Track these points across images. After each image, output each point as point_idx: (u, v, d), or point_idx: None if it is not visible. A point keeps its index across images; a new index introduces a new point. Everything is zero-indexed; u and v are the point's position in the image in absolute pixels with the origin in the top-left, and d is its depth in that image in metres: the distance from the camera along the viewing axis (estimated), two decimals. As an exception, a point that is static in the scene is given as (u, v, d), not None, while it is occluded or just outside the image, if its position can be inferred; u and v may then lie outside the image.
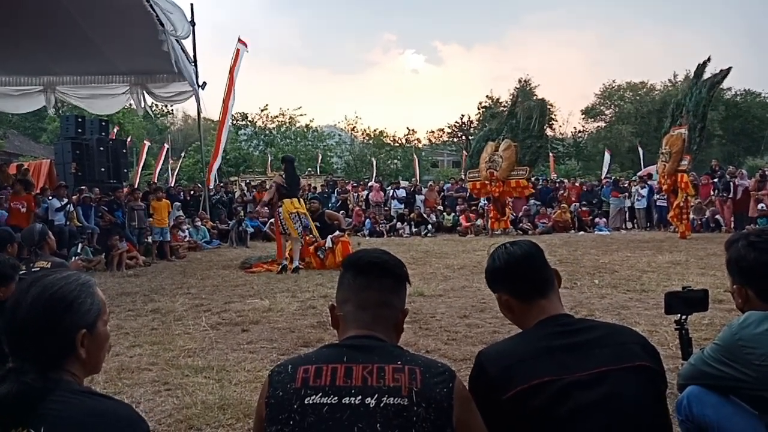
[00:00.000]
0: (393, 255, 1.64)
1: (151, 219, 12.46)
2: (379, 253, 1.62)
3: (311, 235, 10.47)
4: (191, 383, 3.90)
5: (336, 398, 1.37)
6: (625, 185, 18.51)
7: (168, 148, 28.16)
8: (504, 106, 42.50)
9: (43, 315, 1.31)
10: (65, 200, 11.43)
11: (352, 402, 1.36)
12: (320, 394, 1.38)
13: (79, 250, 10.62)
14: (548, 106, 40.30)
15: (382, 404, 1.35)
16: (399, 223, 17.81)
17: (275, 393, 1.43)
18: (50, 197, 11.49)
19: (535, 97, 36.89)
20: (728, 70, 13.53)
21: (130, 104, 15.04)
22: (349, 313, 1.56)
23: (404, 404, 1.35)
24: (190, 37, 14.70)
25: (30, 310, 1.31)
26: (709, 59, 14.06)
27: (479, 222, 16.91)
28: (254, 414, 1.55)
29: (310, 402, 1.37)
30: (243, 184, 21.48)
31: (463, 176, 27.11)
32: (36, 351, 1.30)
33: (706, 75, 14.06)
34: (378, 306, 1.54)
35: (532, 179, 21.19)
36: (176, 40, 10.77)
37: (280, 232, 10.04)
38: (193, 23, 15.56)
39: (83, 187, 12.89)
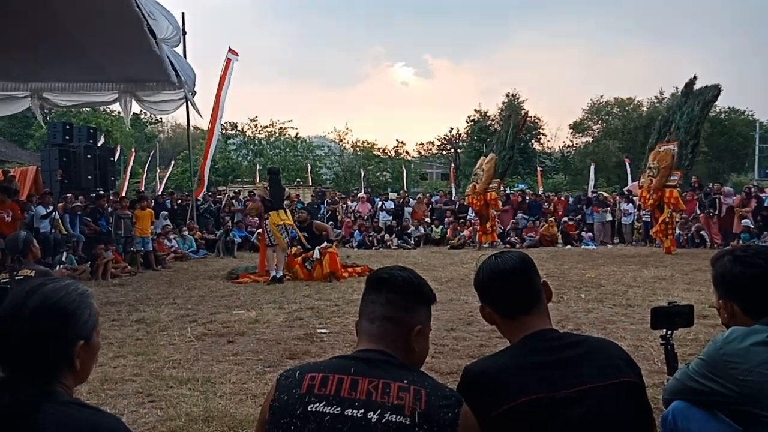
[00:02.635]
0: (413, 273, 1.64)
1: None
2: (394, 269, 1.64)
3: (299, 246, 10.47)
4: (176, 395, 3.87)
5: (339, 409, 1.37)
6: (609, 200, 18.60)
7: (153, 156, 28.05)
8: (492, 120, 42.85)
9: (46, 327, 1.29)
10: (51, 208, 11.31)
11: (355, 415, 1.36)
12: (324, 402, 1.39)
13: (64, 259, 10.50)
14: (535, 120, 40.84)
15: (383, 420, 1.35)
16: (387, 234, 17.80)
17: (280, 397, 1.44)
18: (36, 204, 11.36)
19: (523, 110, 37.23)
20: (717, 87, 13.66)
21: (118, 111, 14.96)
22: (361, 326, 1.60)
23: (406, 423, 1.35)
24: (180, 46, 14.69)
25: (31, 322, 1.29)
26: (695, 77, 14.20)
27: (465, 233, 16.97)
28: (258, 416, 1.56)
29: (313, 410, 1.38)
30: (231, 194, 21.39)
31: (452, 189, 27.28)
32: (33, 363, 1.28)
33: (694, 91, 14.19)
34: (383, 320, 1.55)
35: (507, 192, 21.30)
36: (170, 47, 10.74)
37: (266, 244, 10.01)
38: (184, 32, 15.57)
39: (68, 195, 12.77)
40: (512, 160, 17.27)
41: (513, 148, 16.74)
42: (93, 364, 1.43)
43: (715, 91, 13.71)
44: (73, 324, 1.33)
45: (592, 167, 27.62)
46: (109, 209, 12.97)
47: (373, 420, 1.35)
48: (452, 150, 45.15)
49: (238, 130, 40.37)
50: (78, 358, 1.34)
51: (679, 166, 13.31)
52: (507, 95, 44.87)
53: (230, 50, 17.11)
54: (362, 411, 1.36)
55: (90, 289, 1.44)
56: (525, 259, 1.82)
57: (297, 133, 40.94)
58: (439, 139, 47.22)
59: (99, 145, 16.83)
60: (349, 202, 20.53)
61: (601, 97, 44.39)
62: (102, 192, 14.38)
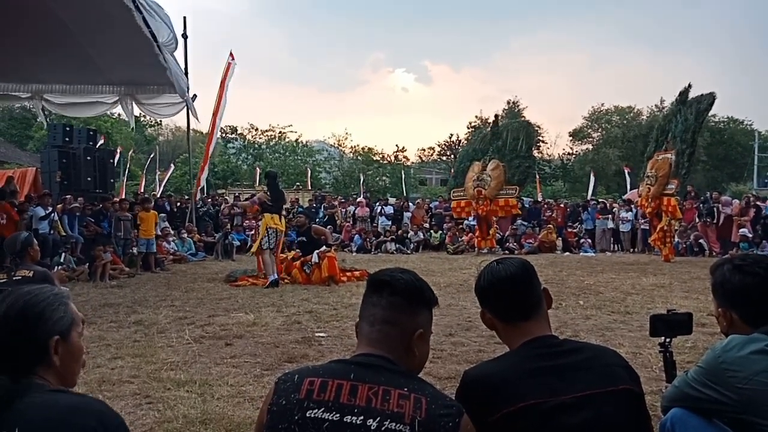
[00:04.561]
0: (415, 275, 1.61)
1: (136, 230, 12.36)
2: (396, 271, 1.61)
3: (297, 250, 10.49)
4: (173, 397, 3.86)
5: (338, 415, 1.36)
6: (612, 207, 18.62)
7: (154, 158, 28.06)
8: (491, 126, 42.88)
9: (16, 321, 1.36)
10: (50, 209, 11.31)
11: (354, 421, 1.35)
12: (323, 408, 1.37)
13: (62, 260, 10.48)
14: (536, 128, 40.89)
15: (383, 428, 1.34)
16: (386, 239, 17.78)
17: (279, 401, 1.42)
18: (35, 205, 11.36)
19: (522, 118, 37.28)
20: (712, 95, 13.78)
21: (119, 114, 14.97)
22: (362, 328, 1.57)
23: None
24: (182, 49, 14.72)
25: (3, 317, 1.36)
26: (690, 85, 14.31)
27: (463, 238, 16.97)
28: (255, 420, 1.55)
29: (312, 416, 1.36)
30: (231, 198, 21.37)
31: (449, 195, 27.30)
32: (9, 356, 1.34)
33: (689, 99, 14.34)
34: (383, 323, 1.53)
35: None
36: (169, 52, 10.76)
37: (259, 246, 10.02)
38: (185, 36, 15.61)
39: (67, 196, 12.77)
40: (530, 168, 17.35)
41: (529, 157, 16.82)
42: (77, 367, 1.46)
43: (709, 99, 13.82)
44: (46, 319, 1.38)
45: (592, 175, 27.72)
46: (111, 211, 12.96)
47: (372, 427, 1.34)
48: (452, 156, 45.21)
49: (238, 134, 40.43)
50: (55, 354, 1.38)
51: (675, 174, 13.38)
52: (507, 102, 45.08)
53: (231, 55, 17.15)
54: (361, 418, 1.35)
55: (68, 292, 1.48)
56: (526, 266, 1.82)
57: (297, 138, 41.07)
58: (439, 145, 47.40)
59: (98, 146, 16.84)
60: (348, 207, 20.51)
61: (602, 105, 44.55)
62: (104, 194, 14.39)
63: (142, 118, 39.11)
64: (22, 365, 1.34)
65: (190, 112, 13.98)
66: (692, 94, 14.30)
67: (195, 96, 14.59)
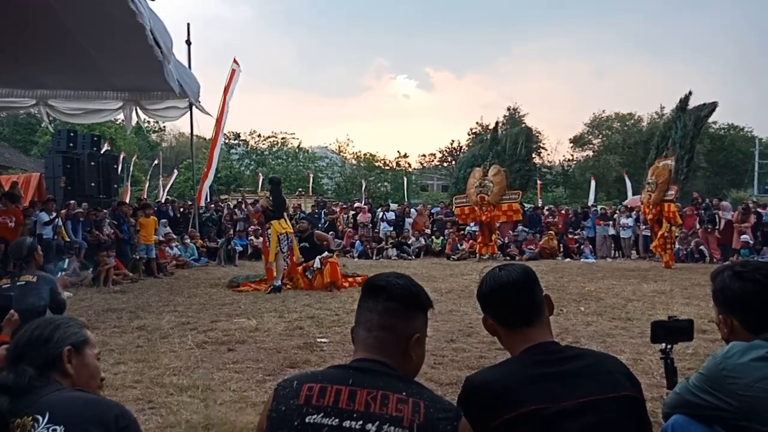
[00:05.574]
0: (410, 280, 1.61)
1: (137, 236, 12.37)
2: (391, 276, 1.61)
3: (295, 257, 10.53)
4: (176, 402, 3.88)
5: (337, 420, 1.36)
6: (611, 213, 18.60)
7: (158, 164, 28.11)
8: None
9: (34, 331, 1.64)
10: (54, 214, 11.34)
11: (353, 426, 1.36)
12: (322, 414, 1.38)
13: (65, 266, 10.48)
14: (536, 134, 40.97)
15: None
16: (387, 245, 17.78)
17: (278, 407, 1.43)
18: (39, 211, 11.39)
19: (522, 124, 37.38)
20: (714, 104, 13.88)
21: (123, 120, 14.98)
22: (358, 334, 1.58)
23: None
24: (185, 56, 14.78)
25: (26, 331, 1.67)
26: (690, 93, 14.42)
27: (463, 246, 16.97)
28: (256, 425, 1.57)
29: (311, 421, 1.38)
30: (232, 204, 21.35)
31: (451, 200, 27.31)
32: (29, 361, 1.57)
33: (690, 107, 14.47)
34: (380, 329, 1.53)
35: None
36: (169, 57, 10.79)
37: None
38: (189, 42, 15.69)
39: (72, 202, 12.80)
40: (530, 173, 17.41)
41: (528, 161, 16.89)
42: (93, 384, 1.70)
43: (710, 107, 13.91)
44: (60, 332, 1.65)
45: (593, 181, 27.74)
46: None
47: (371, 431, 1.35)
48: (453, 162, 45.26)
49: (241, 140, 40.57)
50: (69, 363, 1.62)
51: (675, 180, 13.43)
52: (508, 108, 45.19)
53: (235, 61, 17.20)
54: (360, 422, 1.36)
55: (86, 324, 1.78)
56: (528, 272, 1.84)
57: (299, 143, 41.20)
58: (440, 151, 47.47)
59: (102, 152, 16.90)
60: (349, 212, 20.53)
61: (603, 111, 44.60)
62: (105, 198, 14.41)
63: (146, 124, 39.26)
64: (41, 367, 1.57)
65: (194, 115, 14.03)
66: (693, 102, 14.42)
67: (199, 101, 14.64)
